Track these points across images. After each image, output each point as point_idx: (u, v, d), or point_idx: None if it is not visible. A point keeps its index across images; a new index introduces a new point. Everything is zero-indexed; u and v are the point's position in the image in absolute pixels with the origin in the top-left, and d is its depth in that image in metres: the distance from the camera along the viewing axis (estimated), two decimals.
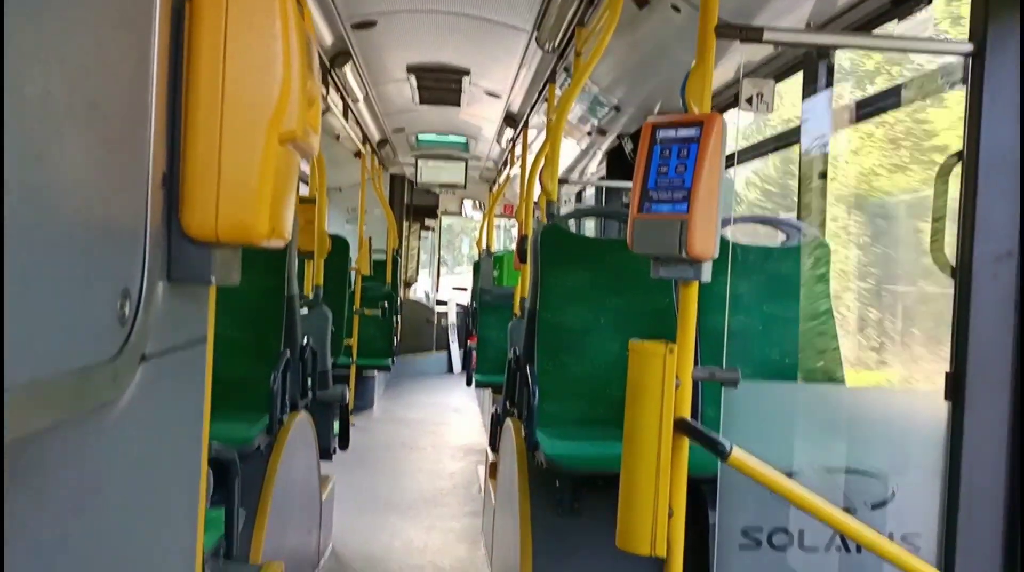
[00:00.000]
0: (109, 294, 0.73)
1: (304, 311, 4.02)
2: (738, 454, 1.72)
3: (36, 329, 0.59)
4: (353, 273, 7.20)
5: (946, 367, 1.96)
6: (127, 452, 0.83)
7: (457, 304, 11.50)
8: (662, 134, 1.79)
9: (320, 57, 4.81)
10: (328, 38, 4.80)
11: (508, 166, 8.32)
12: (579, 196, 8.26)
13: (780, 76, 3.37)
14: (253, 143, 0.86)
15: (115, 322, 0.74)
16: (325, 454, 4.06)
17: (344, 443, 4.38)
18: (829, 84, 2.94)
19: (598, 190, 6.94)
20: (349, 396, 6.21)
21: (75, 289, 0.66)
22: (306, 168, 6.19)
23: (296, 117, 0.89)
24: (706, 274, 1.79)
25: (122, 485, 0.83)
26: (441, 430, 7.60)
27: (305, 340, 3.49)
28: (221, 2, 0.85)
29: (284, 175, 0.93)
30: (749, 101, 1.88)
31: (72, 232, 0.65)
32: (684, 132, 1.76)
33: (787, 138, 3.45)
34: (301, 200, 4.80)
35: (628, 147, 5.37)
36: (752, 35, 1.81)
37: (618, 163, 5.73)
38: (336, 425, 4.42)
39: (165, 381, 0.91)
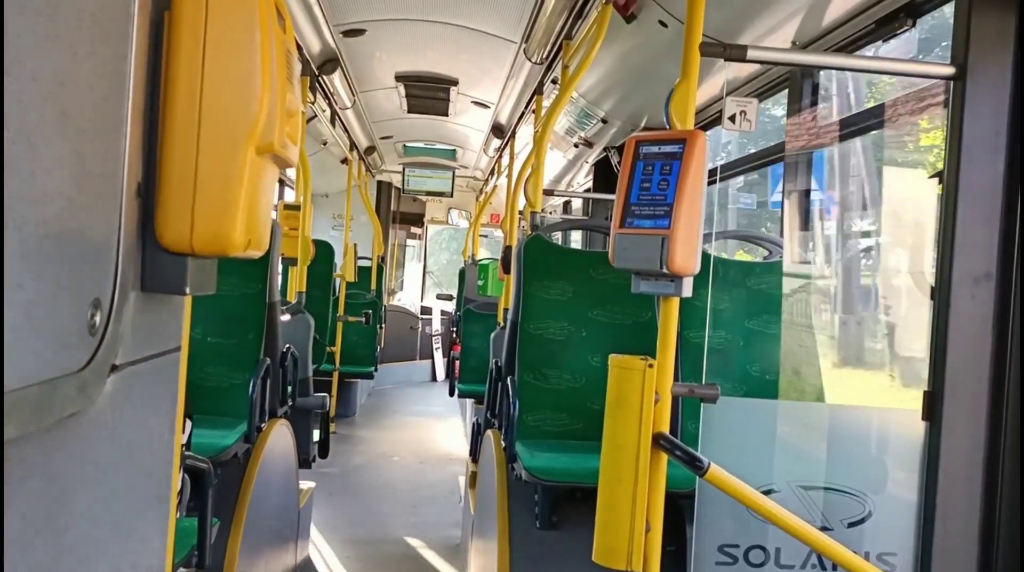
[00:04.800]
0: (79, 305, 0.72)
1: (286, 317, 4.00)
2: (715, 471, 1.72)
3: (2, 341, 0.59)
4: (338, 280, 7.18)
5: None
6: (95, 463, 0.82)
7: (442, 312, 11.48)
8: (645, 150, 1.80)
9: (308, 64, 4.82)
10: (316, 45, 4.80)
11: (495, 176, 8.34)
12: (566, 207, 8.27)
13: (766, 93, 3.39)
14: (230, 155, 0.86)
15: (85, 333, 0.73)
16: (304, 462, 4.04)
17: (324, 452, 4.36)
18: (814, 102, 2.96)
19: (585, 202, 6.97)
20: (331, 404, 6.19)
21: (44, 300, 0.65)
22: (292, 173, 6.18)
23: (274, 129, 0.89)
24: (687, 290, 1.79)
25: (89, 497, 0.82)
26: (423, 439, 7.58)
27: (286, 347, 3.47)
28: (200, 14, 0.85)
29: (261, 187, 0.92)
30: (733, 119, 1.89)
31: (41, 243, 0.64)
32: (667, 148, 1.76)
33: (771, 154, 3.47)
34: (286, 206, 4.79)
35: (615, 159, 5.39)
36: (736, 53, 1.82)
37: (605, 175, 5.75)
38: (316, 433, 4.40)
39: (136, 391, 0.90)
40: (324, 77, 5.27)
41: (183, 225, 0.86)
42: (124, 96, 0.79)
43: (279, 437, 3.24)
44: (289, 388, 3.55)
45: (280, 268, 4.73)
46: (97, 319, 0.75)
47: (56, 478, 0.74)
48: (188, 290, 0.90)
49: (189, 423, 2.00)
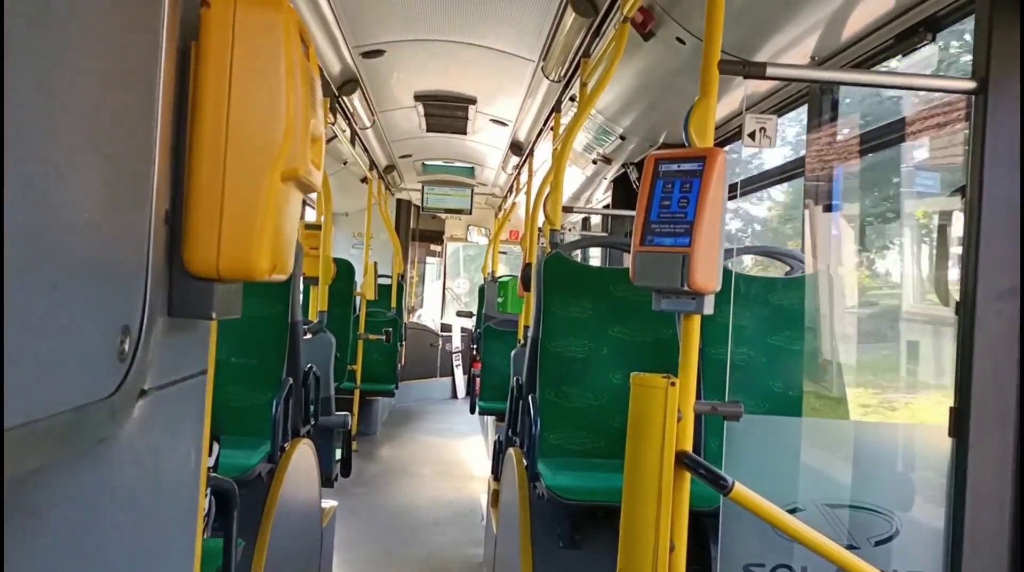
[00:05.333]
0: (109, 332, 0.73)
1: (308, 337, 4.03)
2: (740, 489, 1.70)
3: (35, 369, 0.60)
4: (358, 298, 7.21)
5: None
6: (123, 486, 0.83)
7: (462, 329, 11.49)
8: (664, 167, 1.80)
9: (328, 85, 4.87)
10: (337, 66, 4.85)
11: (513, 193, 8.36)
12: (585, 223, 8.28)
13: (785, 108, 3.39)
14: (256, 181, 0.87)
15: (115, 359, 0.74)
16: (327, 481, 4.05)
17: (346, 471, 4.36)
18: (834, 117, 2.96)
19: (604, 217, 6.96)
20: (352, 422, 6.19)
21: (75, 328, 0.66)
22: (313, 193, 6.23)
23: (299, 156, 0.90)
24: (708, 307, 1.79)
25: (117, 520, 0.83)
26: (444, 457, 7.57)
27: (308, 366, 3.49)
28: (227, 44, 0.86)
29: (286, 212, 0.94)
30: (752, 136, 1.89)
31: (73, 272, 0.65)
32: (687, 166, 1.77)
33: (791, 169, 3.46)
34: (307, 226, 4.83)
35: (633, 175, 5.39)
36: (755, 71, 1.82)
37: (623, 191, 5.74)
38: (338, 452, 4.40)
39: (164, 414, 0.91)
40: (344, 98, 5.32)
41: (210, 251, 0.87)
42: (153, 125, 0.81)
43: (302, 456, 3.25)
44: (311, 407, 3.57)
45: (302, 287, 4.76)
46: (126, 345, 0.76)
47: (85, 503, 0.75)
48: (215, 315, 0.91)
49: (216, 445, 2.02)
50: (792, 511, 2.00)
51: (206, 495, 1.93)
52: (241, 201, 0.87)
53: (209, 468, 2.00)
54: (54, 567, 0.70)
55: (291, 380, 3.21)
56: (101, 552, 0.79)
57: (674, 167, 1.79)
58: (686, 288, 1.73)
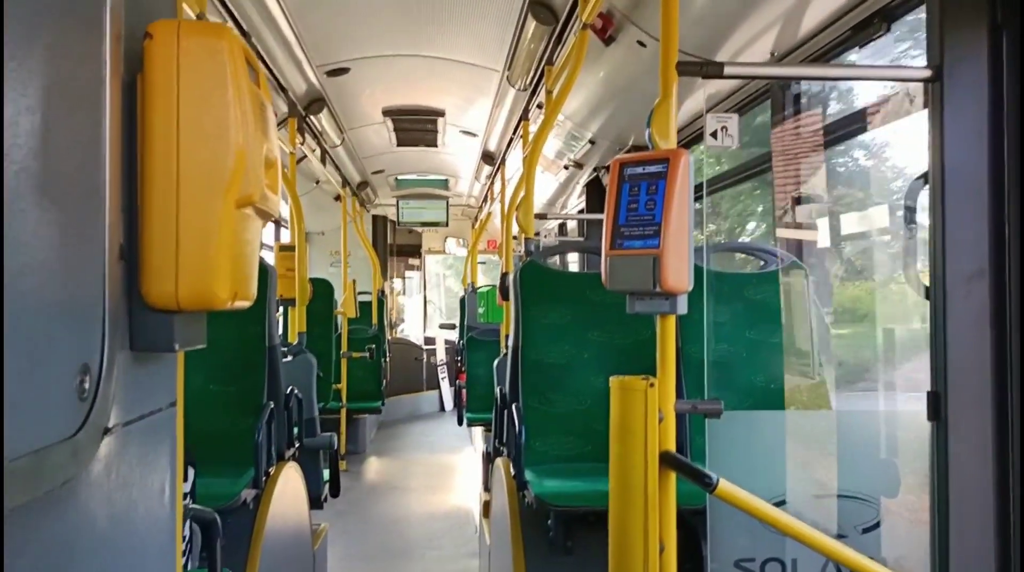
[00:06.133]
0: (67, 372, 0.72)
1: (288, 359, 4.00)
2: (725, 486, 1.71)
3: None
4: (339, 316, 7.18)
5: None
6: (94, 526, 0.82)
7: (446, 341, 11.46)
8: (630, 171, 1.81)
9: (295, 105, 4.86)
10: (302, 86, 4.84)
11: (488, 202, 8.37)
12: (562, 228, 8.29)
13: (749, 105, 3.41)
14: (210, 211, 0.86)
15: (74, 398, 0.73)
16: (316, 503, 4.02)
17: (335, 490, 4.33)
18: (797, 112, 2.98)
19: (580, 222, 6.98)
20: (339, 441, 6.15)
21: (29, 371, 0.65)
22: (286, 214, 6.21)
23: (253, 182, 0.89)
24: (681, 307, 1.79)
25: (91, 560, 0.82)
26: (434, 470, 7.55)
27: (289, 389, 3.46)
28: (172, 74, 0.86)
29: (244, 239, 0.93)
30: (714, 135, 1.91)
31: (22, 316, 0.64)
32: (651, 168, 1.77)
33: (758, 165, 3.48)
34: (282, 247, 4.81)
35: (606, 179, 5.41)
36: (713, 71, 1.83)
37: (597, 195, 5.77)
38: (326, 472, 4.38)
39: (132, 450, 0.90)
40: (311, 117, 5.31)
41: (168, 282, 0.86)
42: (101, 161, 0.80)
43: (288, 480, 3.23)
44: (296, 429, 3.54)
45: (280, 310, 4.74)
46: (87, 384, 0.75)
47: (53, 545, 0.74)
48: (177, 346, 0.90)
49: (192, 472, 2.00)
50: (779, 504, 2.00)
51: (188, 525, 1.91)
52: (197, 231, 0.86)
53: (187, 496, 1.98)
54: None
55: (272, 404, 3.19)
56: None
57: (639, 170, 1.79)
58: (658, 289, 1.73)
